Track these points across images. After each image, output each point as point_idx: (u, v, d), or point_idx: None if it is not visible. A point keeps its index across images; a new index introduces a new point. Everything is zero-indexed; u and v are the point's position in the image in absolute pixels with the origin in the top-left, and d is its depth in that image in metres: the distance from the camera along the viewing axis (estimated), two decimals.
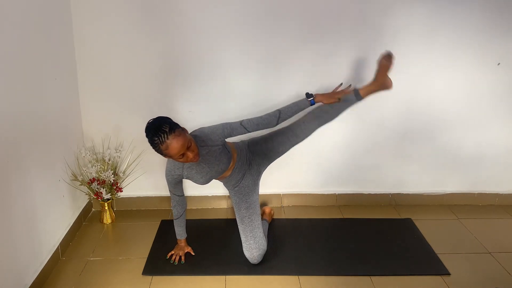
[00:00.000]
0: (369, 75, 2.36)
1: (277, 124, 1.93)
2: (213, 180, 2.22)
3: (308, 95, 1.97)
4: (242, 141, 2.15)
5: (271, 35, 2.28)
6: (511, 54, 2.36)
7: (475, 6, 2.25)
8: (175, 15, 2.22)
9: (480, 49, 2.34)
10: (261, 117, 1.91)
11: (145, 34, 2.25)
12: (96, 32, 2.24)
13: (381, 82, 2.13)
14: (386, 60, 2.09)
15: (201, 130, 1.87)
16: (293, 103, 1.96)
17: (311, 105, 1.98)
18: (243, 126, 1.87)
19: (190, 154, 1.69)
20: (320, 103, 2.01)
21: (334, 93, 2.02)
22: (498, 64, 2.38)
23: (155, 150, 1.68)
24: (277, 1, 2.22)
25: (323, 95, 2.00)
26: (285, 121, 1.99)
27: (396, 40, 2.30)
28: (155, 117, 1.71)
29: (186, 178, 1.93)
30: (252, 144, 2.13)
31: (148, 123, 1.69)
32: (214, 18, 2.23)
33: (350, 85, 2.12)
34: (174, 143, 1.63)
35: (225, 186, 2.14)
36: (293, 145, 2.15)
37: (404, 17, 2.26)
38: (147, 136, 1.67)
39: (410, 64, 2.35)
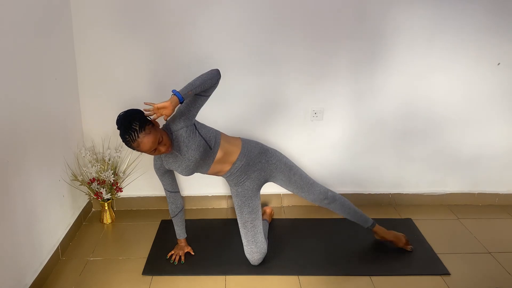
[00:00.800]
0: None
1: (219, 76, 1.86)
2: (213, 179, 2.22)
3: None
4: (257, 142, 2.07)
5: (272, 35, 2.27)
6: (511, 55, 2.36)
7: (476, 7, 2.25)
8: (176, 15, 2.22)
9: (480, 49, 2.34)
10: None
11: (146, 34, 2.25)
12: (96, 32, 2.24)
13: (392, 239, 2.18)
14: (402, 243, 2.16)
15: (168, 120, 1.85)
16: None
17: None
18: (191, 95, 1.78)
19: (162, 148, 1.71)
20: None
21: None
22: (498, 64, 2.37)
23: (127, 146, 1.70)
24: (279, 1, 2.22)
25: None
26: (322, 189, 2.11)
27: (396, 40, 2.30)
28: (125, 110, 1.71)
29: (169, 168, 1.94)
30: (278, 162, 2.04)
31: (119, 116, 1.69)
32: (215, 19, 2.23)
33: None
34: (145, 141, 1.65)
35: (228, 183, 2.10)
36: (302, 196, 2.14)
37: (405, 18, 2.26)
38: (118, 128, 1.68)
39: (410, 64, 2.35)
